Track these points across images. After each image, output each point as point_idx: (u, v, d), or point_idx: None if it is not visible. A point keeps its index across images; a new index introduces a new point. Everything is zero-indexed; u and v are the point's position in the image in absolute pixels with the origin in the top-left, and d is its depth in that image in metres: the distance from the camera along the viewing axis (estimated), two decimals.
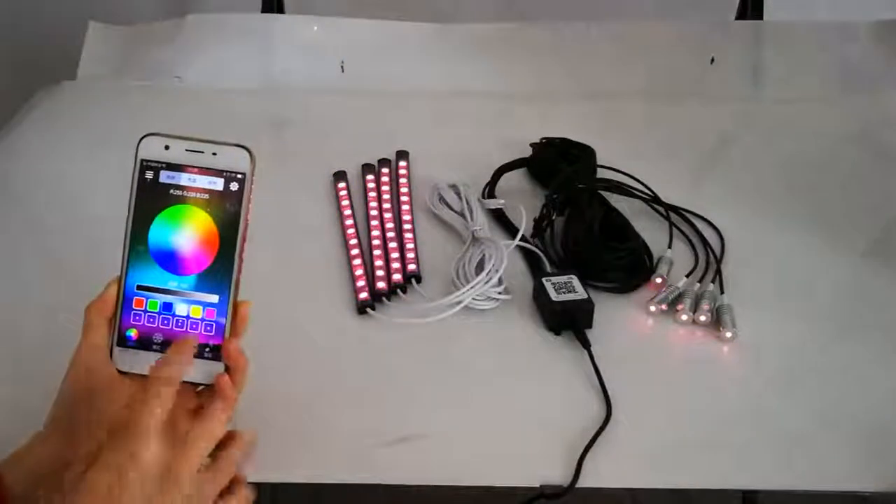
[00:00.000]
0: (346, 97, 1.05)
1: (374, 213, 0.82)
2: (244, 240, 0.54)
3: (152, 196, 0.53)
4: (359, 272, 0.74)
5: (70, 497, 0.46)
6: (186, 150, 0.53)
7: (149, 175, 0.53)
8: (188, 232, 0.53)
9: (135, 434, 0.48)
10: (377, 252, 0.77)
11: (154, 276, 0.53)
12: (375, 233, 0.79)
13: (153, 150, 0.53)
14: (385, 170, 0.88)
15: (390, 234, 0.79)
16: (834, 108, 1.05)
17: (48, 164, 0.91)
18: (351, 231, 0.79)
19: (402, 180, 0.86)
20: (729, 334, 0.68)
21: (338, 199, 0.84)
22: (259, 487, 0.59)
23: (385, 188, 0.85)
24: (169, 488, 0.48)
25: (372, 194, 0.84)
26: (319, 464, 0.58)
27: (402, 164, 0.89)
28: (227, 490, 0.52)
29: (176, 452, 0.48)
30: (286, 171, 0.89)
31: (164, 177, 0.53)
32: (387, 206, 0.83)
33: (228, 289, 0.54)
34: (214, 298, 0.53)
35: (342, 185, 0.86)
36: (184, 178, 0.53)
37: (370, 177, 0.87)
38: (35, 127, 0.98)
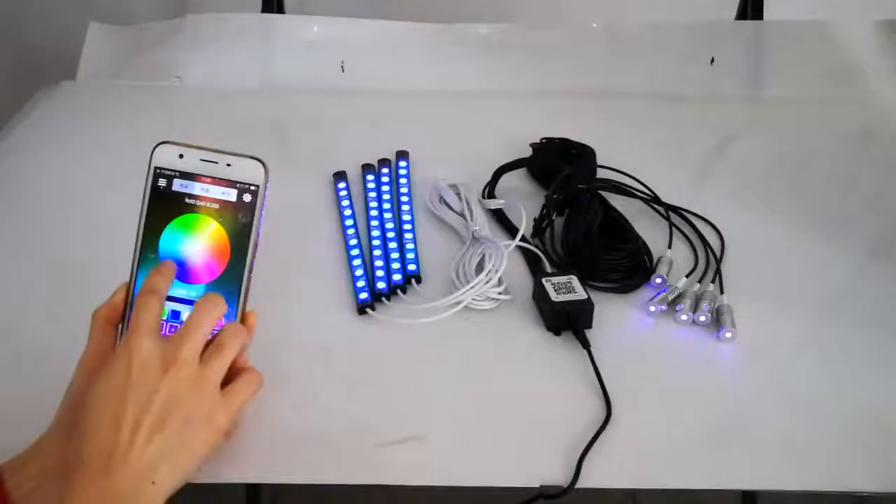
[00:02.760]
0: (346, 97, 1.06)
1: (374, 213, 0.82)
2: (255, 251, 0.54)
3: (164, 204, 0.53)
4: (359, 272, 0.74)
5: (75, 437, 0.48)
6: (201, 160, 0.53)
7: (162, 183, 0.53)
8: (199, 241, 0.54)
9: (129, 338, 0.50)
10: (377, 252, 0.77)
11: None
12: (375, 233, 0.79)
13: (167, 158, 0.53)
14: (385, 170, 0.88)
15: (390, 234, 0.79)
16: (834, 108, 1.05)
17: (48, 165, 0.91)
18: (351, 231, 0.79)
19: (402, 180, 0.86)
20: (728, 334, 0.68)
21: (338, 199, 0.84)
22: (259, 488, 0.59)
23: (385, 188, 0.85)
24: (174, 372, 0.50)
25: (372, 194, 0.84)
26: (319, 464, 0.58)
27: (402, 164, 0.89)
28: (235, 373, 0.54)
29: (172, 342, 0.51)
30: (286, 171, 0.89)
31: (178, 185, 0.53)
32: (387, 206, 0.83)
33: (237, 300, 0.54)
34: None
35: (342, 185, 0.86)
36: (197, 188, 0.53)
37: (370, 177, 0.87)
38: (35, 127, 0.98)
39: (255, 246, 0.54)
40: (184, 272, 0.54)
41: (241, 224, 0.54)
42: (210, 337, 0.53)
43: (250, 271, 0.54)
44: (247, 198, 0.54)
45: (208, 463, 0.53)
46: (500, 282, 0.72)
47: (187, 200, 0.53)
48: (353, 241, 0.78)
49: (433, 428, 0.60)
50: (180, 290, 0.54)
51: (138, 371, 0.49)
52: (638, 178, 0.86)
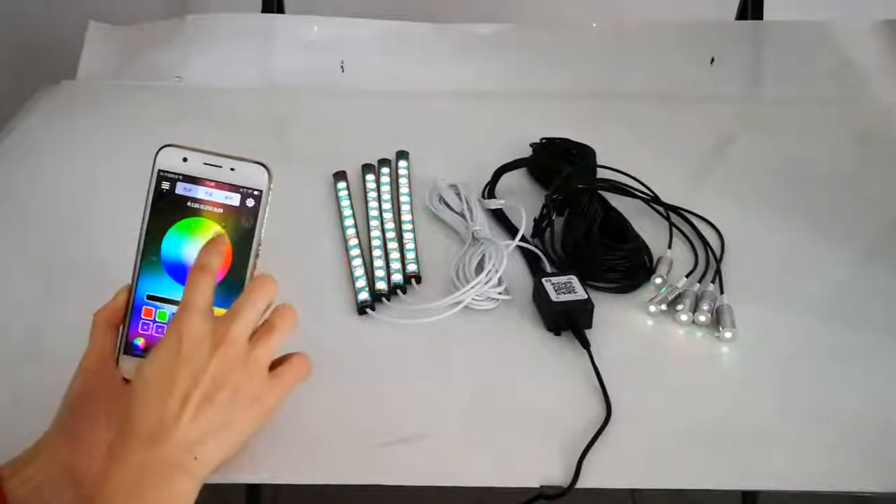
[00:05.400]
0: (346, 97, 1.05)
1: (374, 213, 0.82)
2: (257, 256, 0.54)
3: (167, 207, 0.53)
4: (359, 272, 0.74)
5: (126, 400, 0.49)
6: (204, 164, 0.53)
7: (165, 186, 0.53)
8: (202, 245, 0.54)
9: (180, 315, 0.50)
10: (377, 252, 0.77)
11: (165, 286, 0.54)
12: (375, 233, 0.79)
13: (171, 161, 0.53)
14: (385, 170, 0.88)
15: (390, 234, 0.79)
16: (834, 108, 1.05)
17: (48, 165, 0.91)
18: (351, 231, 0.79)
19: (402, 180, 0.86)
20: (729, 334, 0.68)
21: (338, 199, 0.84)
22: (259, 488, 0.59)
23: (385, 188, 0.85)
24: (223, 350, 0.50)
25: (372, 194, 0.84)
26: (319, 464, 0.58)
27: (402, 164, 0.89)
28: (284, 358, 0.54)
29: (223, 320, 0.51)
30: (286, 171, 0.88)
31: (181, 189, 0.53)
32: (387, 206, 0.83)
33: None
34: (223, 312, 0.53)
35: (342, 185, 0.86)
36: (200, 192, 0.53)
37: (370, 177, 0.87)
38: (35, 127, 0.98)
39: (258, 250, 0.54)
40: (186, 275, 0.54)
41: (243, 228, 0.54)
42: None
43: (252, 275, 0.54)
44: (250, 202, 0.54)
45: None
46: (500, 282, 0.72)
47: (190, 204, 0.53)
48: (353, 241, 0.78)
49: (433, 428, 0.60)
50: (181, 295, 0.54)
51: (188, 348, 0.49)
52: (638, 178, 0.86)
